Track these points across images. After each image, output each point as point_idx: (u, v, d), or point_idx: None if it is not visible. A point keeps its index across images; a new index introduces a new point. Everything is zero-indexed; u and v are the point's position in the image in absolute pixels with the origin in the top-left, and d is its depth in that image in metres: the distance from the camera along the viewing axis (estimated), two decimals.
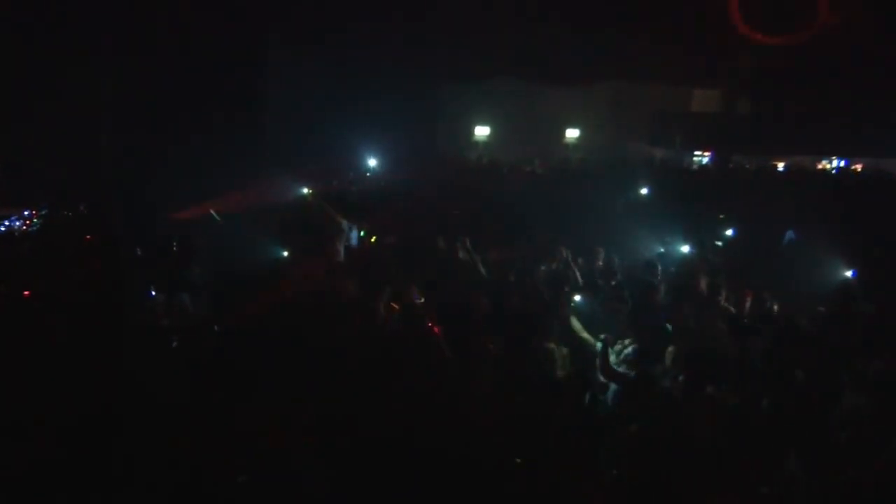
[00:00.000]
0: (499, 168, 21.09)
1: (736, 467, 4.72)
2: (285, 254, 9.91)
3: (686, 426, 5.11)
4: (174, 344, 6.53)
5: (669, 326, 7.30)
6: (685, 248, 10.75)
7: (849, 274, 9.19)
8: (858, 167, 28.91)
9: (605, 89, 28.78)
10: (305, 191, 11.45)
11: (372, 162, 16.94)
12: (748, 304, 8.49)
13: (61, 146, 14.71)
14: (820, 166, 29.19)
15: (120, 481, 4.40)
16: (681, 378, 6.02)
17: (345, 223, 10.27)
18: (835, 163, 29.83)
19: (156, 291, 7.84)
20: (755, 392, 5.64)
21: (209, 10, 15.70)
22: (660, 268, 9.67)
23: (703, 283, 8.76)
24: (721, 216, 13.98)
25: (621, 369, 6.62)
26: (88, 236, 9.91)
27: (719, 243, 11.48)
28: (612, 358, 6.80)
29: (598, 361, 6.68)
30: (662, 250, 10.93)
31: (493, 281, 8.77)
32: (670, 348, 6.81)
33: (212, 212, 11.35)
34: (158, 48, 15.21)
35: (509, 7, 21.20)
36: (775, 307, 8.30)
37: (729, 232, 11.94)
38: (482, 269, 8.85)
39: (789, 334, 7.05)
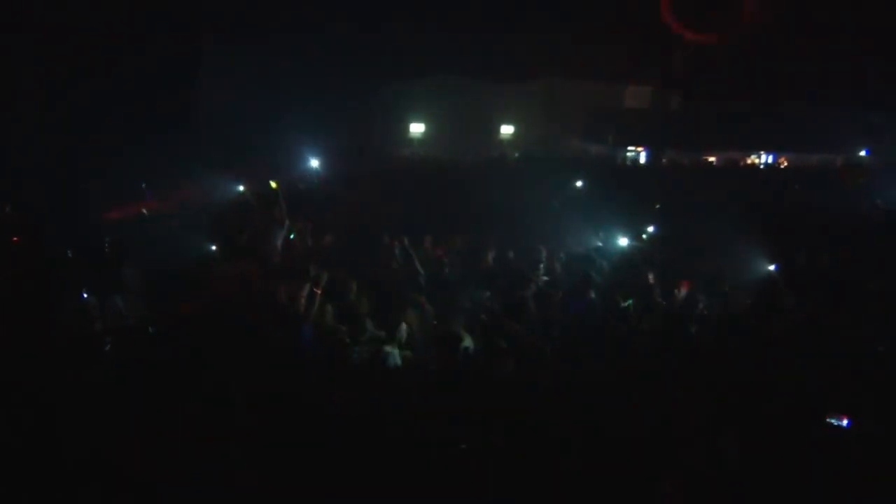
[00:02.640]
0: (434, 164, 21.12)
1: (674, 448, 4.87)
2: (214, 248, 9.83)
3: (623, 411, 5.26)
4: (107, 347, 6.41)
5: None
6: (623, 242, 10.92)
7: (771, 267, 9.47)
8: (784, 162, 29.90)
9: (539, 86, 29.10)
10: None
11: (308, 160, 16.81)
12: (681, 295, 8.71)
13: None
14: (749, 161, 30.06)
15: (52, 485, 4.33)
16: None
17: (287, 222, 10.20)
18: (763, 158, 30.76)
19: (87, 294, 7.65)
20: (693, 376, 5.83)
21: (142, 8, 15.36)
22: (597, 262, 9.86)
23: (644, 276, 9.01)
24: (656, 206, 14.29)
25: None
26: (15, 238, 9.63)
27: (646, 236, 11.69)
28: None
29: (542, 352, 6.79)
30: (600, 244, 11.09)
31: (430, 276, 8.84)
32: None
33: (143, 210, 11.19)
34: (89, 46, 14.82)
35: (444, 5, 21.24)
36: (701, 302, 8.49)
37: (651, 228, 12.15)
38: (419, 267, 8.89)
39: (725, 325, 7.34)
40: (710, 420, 5.16)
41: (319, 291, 6.74)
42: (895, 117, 28.21)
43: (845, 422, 4.81)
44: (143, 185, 11.49)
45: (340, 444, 4.68)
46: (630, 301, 7.79)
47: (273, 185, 11.20)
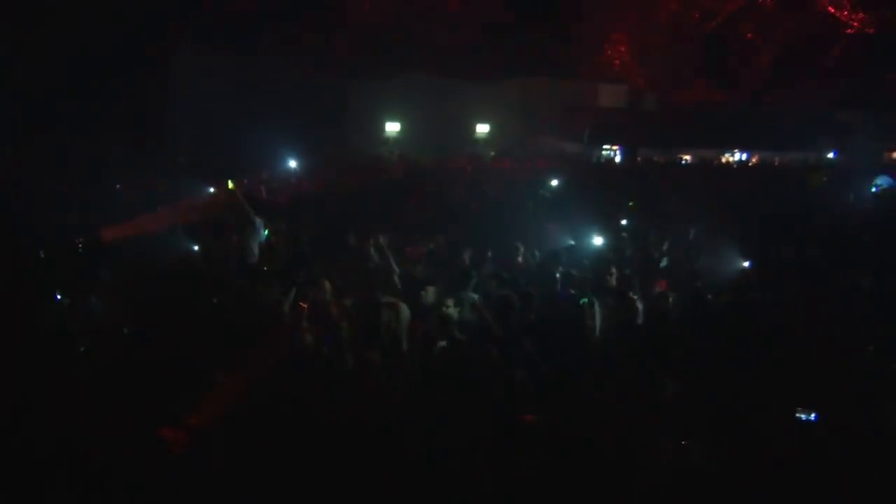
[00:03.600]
0: (411, 163, 21.13)
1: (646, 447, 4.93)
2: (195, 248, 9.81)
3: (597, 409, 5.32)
4: (82, 349, 6.37)
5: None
6: (597, 241, 10.99)
7: (745, 264, 9.57)
8: (756, 160, 30.23)
9: (514, 85, 29.14)
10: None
11: (282, 159, 16.81)
12: (657, 293, 8.78)
13: None
14: (723, 159, 30.35)
15: (28, 488, 4.32)
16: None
17: (258, 221, 10.18)
18: (737, 156, 31.05)
19: (61, 295, 7.59)
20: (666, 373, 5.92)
21: (111, 7, 15.21)
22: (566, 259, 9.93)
23: (614, 275, 9.07)
24: (630, 203, 14.41)
25: None
26: None
27: (625, 234, 11.78)
28: None
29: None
30: (573, 243, 11.16)
31: (405, 276, 8.85)
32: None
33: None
34: (60, 45, 14.67)
35: (419, 3, 21.22)
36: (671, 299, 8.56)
37: (625, 222, 12.23)
38: (395, 267, 8.89)
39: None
40: (682, 418, 5.23)
41: (305, 305, 6.71)
42: (862, 117, 28.61)
43: (813, 415, 4.89)
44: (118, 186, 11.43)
45: (325, 445, 4.69)
46: (585, 299, 7.83)
47: (230, 185, 11.17)
